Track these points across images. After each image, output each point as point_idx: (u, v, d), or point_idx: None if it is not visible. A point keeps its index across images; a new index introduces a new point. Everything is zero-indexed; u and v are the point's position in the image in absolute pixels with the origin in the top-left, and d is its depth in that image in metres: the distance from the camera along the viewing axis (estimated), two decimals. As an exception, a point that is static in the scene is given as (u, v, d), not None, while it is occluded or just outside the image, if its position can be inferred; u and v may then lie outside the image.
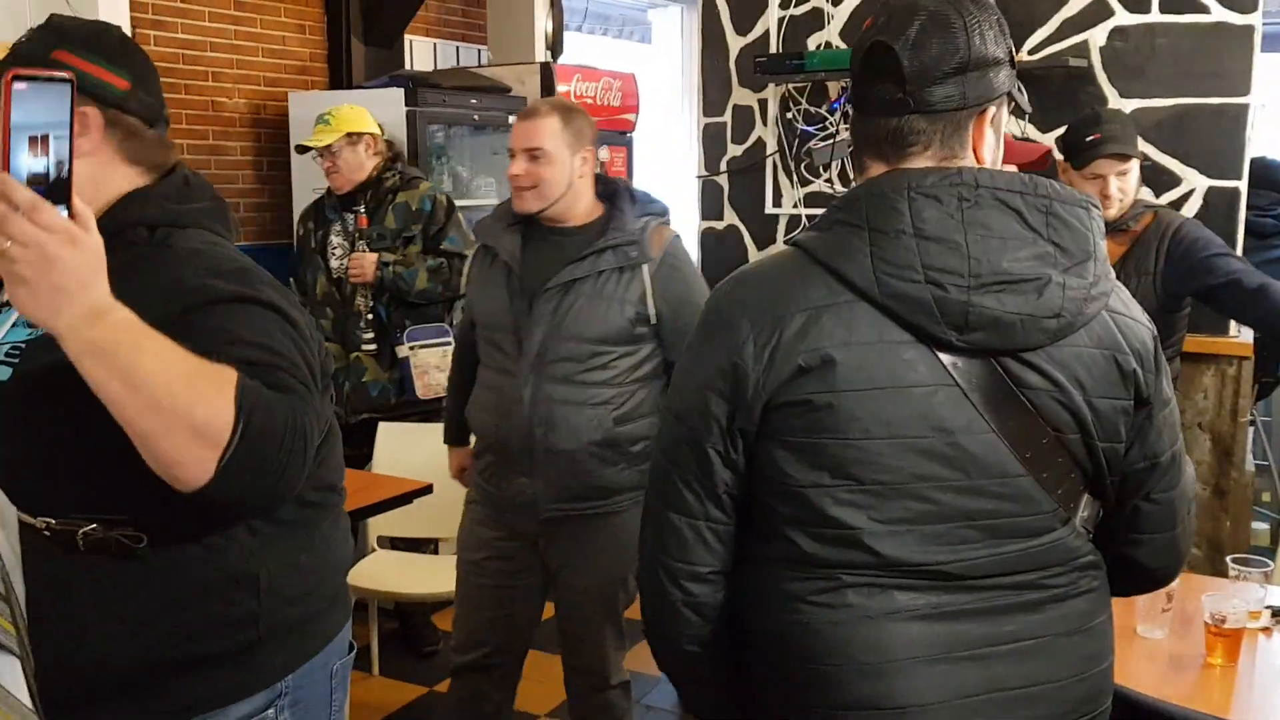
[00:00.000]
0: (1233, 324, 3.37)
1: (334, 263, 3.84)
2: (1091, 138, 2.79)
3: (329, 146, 3.78)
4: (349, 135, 3.80)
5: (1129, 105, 3.47)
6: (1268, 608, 2.11)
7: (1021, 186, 1.29)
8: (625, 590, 2.63)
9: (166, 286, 1.35)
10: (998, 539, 1.31)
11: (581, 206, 2.57)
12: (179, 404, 1.17)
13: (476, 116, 4.62)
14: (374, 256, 3.72)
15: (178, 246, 1.42)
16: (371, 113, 3.83)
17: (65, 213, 1.13)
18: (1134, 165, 2.82)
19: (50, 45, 1.44)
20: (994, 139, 1.36)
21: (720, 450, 1.34)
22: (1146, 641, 2.05)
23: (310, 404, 1.32)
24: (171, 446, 1.18)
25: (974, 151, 1.34)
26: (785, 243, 1.43)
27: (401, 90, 4.31)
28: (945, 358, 1.27)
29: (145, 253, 1.41)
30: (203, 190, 1.54)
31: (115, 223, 1.41)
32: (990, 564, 1.30)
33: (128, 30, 4.06)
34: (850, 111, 1.40)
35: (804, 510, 1.31)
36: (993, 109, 1.34)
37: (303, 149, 3.86)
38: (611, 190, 2.62)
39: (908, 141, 1.32)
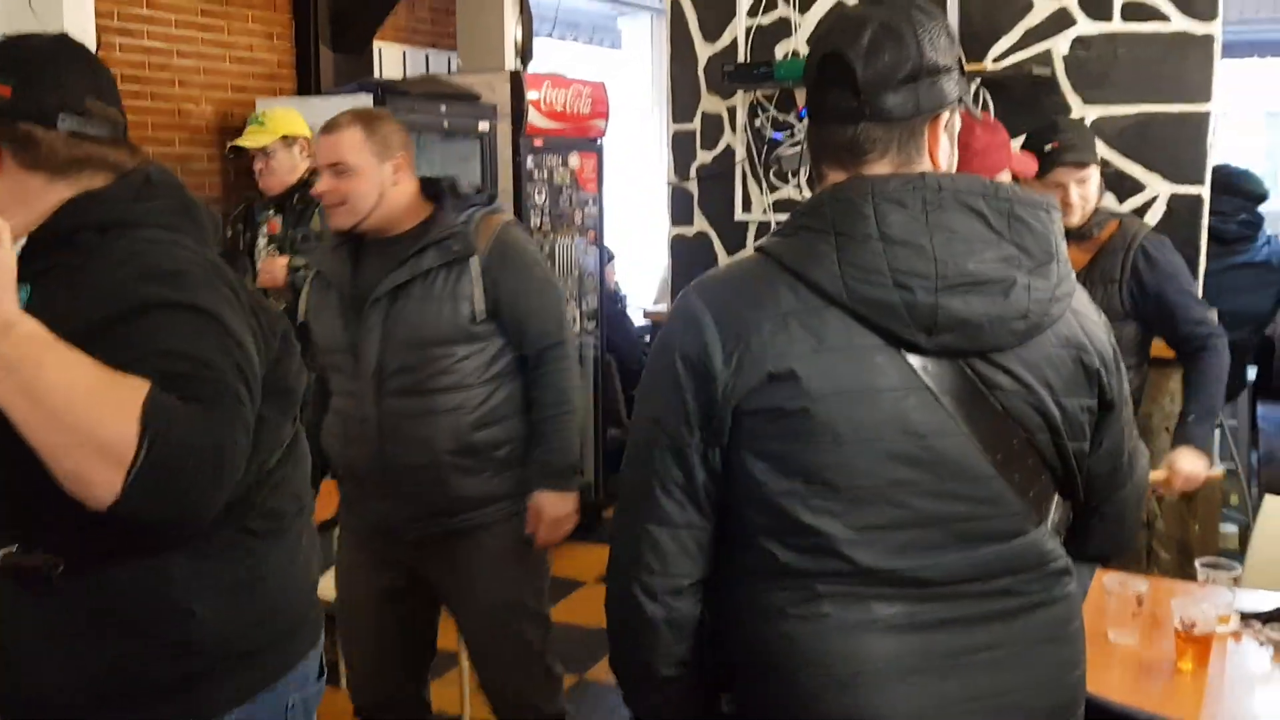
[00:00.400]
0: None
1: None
2: (1050, 146, 2.82)
3: (263, 148, 3.79)
4: (283, 137, 3.81)
5: (1092, 113, 3.50)
6: (1237, 611, 2.13)
7: (983, 189, 1.31)
8: (531, 618, 2.56)
9: (97, 292, 1.32)
10: (971, 542, 1.31)
11: (403, 213, 2.46)
12: (82, 420, 1.14)
13: (446, 123, 4.61)
14: (284, 260, 3.71)
15: (118, 249, 1.37)
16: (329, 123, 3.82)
17: None
18: (1093, 172, 2.85)
19: None
20: (949, 144, 1.39)
21: (700, 452, 1.32)
22: (1117, 647, 2.07)
23: (236, 417, 1.27)
24: (76, 464, 1.15)
25: (930, 157, 1.36)
26: (754, 249, 1.40)
27: (370, 97, 4.29)
28: (915, 360, 1.28)
29: (88, 256, 1.38)
30: (168, 189, 1.48)
31: (59, 228, 1.39)
32: (965, 568, 1.31)
33: (92, 38, 4.02)
34: (809, 121, 1.41)
35: (779, 519, 1.30)
36: (946, 115, 1.36)
37: (237, 150, 3.86)
38: (435, 190, 2.53)
39: (864, 149, 1.33)
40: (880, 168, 1.33)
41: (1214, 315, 2.90)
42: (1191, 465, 2.64)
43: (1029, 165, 2.69)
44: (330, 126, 2.46)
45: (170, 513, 1.21)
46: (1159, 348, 3.10)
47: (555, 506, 2.51)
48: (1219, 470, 2.84)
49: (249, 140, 3.81)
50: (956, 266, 1.27)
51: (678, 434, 1.32)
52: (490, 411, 2.44)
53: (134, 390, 1.17)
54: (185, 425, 1.19)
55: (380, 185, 2.42)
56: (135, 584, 1.36)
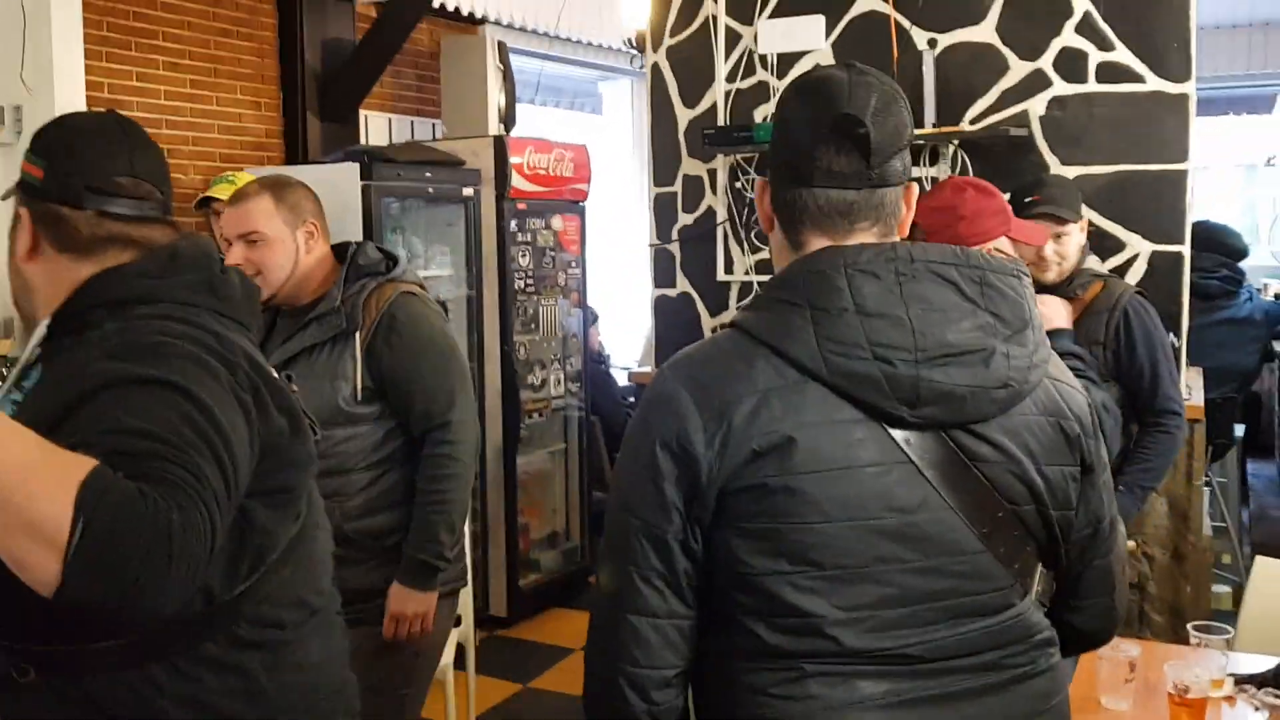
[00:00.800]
0: (1184, 387, 3.41)
1: None
2: (1030, 199, 2.83)
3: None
4: None
5: (1070, 172, 3.53)
6: (1230, 675, 2.10)
7: (955, 259, 1.30)
8: (402, 709, 2.43)
9: (73, 373, 1.29)
10: (959, 618, 1.29)
11: (314, 282, 2.40)
12: (14, 500, 1.07)
13: (431, 189, 4.63)
14: None
15: (115, 326, 1.35)
16: (327, 187, 3.82)
17: None
18: (1072, 229, 2.84)
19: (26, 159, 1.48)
20: (909, 213, 1.39)
21: (681, 539, 1.29)
22: (1110, 713, 2.04)
23: (195, 497, 1.17)
24: (13, 546, 1.09)
25: (900, 225, 1.36)
26: (723, 325, 1.38)
27: (357, 165, 4.31)
28: (898, 434, 1.26)
29: (86, 337, 1.35)
30: (194, 263, 1.46)
31: (80, 303, 1.39)
32: (953, 645, 1.29)
33: (82, 108, 4.05)
34: (784, 183, 1.36)
35: (763, 599, 1.27)
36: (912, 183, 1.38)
37: (206, 200, 3.88)
38: (343, 256, 2.45)
39: (861, 215, 1.32)
40: (867, 236, 1.33)
41: (1180, 395, 2.92)
42: None
43: (1037, 234, 2.54)
44: (239, 197, 2.40)
45: (114, 599, 1.11)
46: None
47: (404, 602, 2.36)
48: (1129, 543, 2.82)
49: (218, 191, 3.84)
50: (935, 338, 1.26)
51: (658, 523, 1.29)
52: (375, 498, 2.34)
53: (74, 468, 1.10)
54: (125, 504, 1.11)
55: (294, 254, 2.37)
56: (114, 692, 1.31)
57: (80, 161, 1.45)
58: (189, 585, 1.16)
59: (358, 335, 2.33)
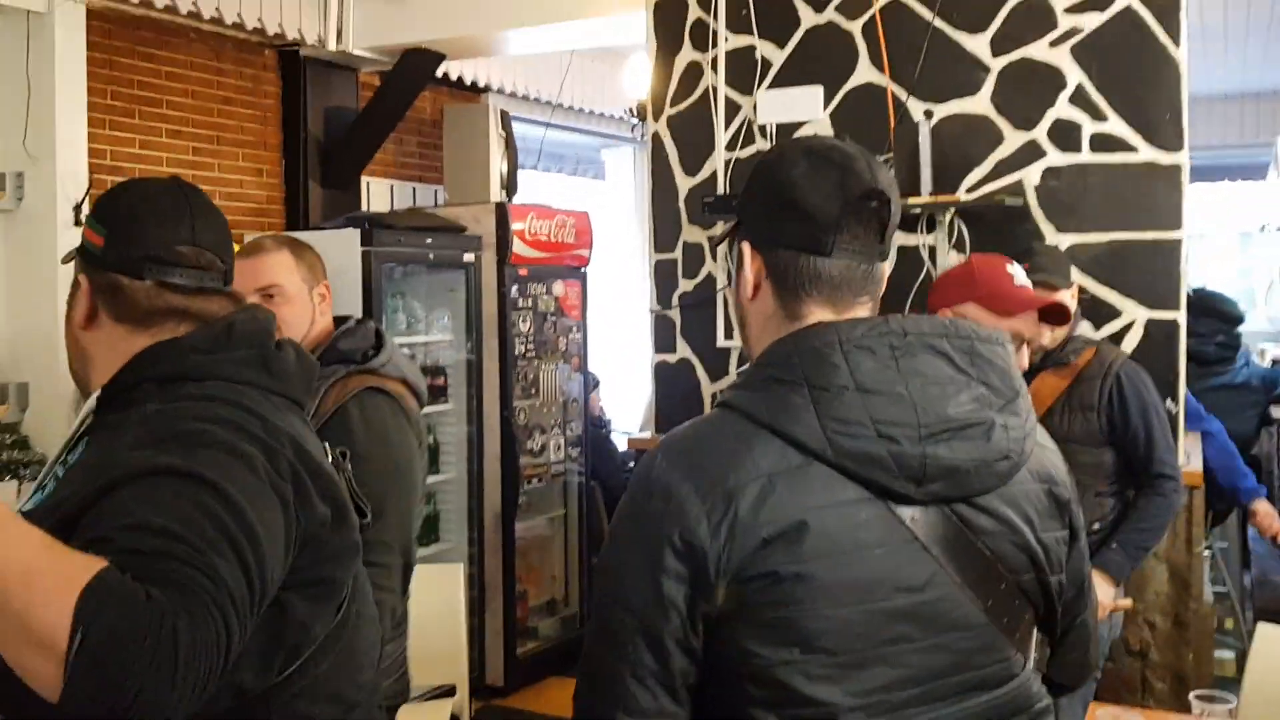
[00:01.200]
0: (1182, 453, 3.41)
1: None
2: (1021, 268, 2.85)
3: None
4: None
5: (1065, 240, 3.57)
6: (1232, 745, 2.08)
7: (944, 330, 1.29)
8: None
9: (106, 457, 1.25)
10: (965, 694, 1.27)
11: (318, 350, 2.27)
12: (15, 607, 1.03)
13: (432, 255, 4.67)
14: None
15: (157, 405, 1.30)
16: (328, 253, 3.85)
17: None
18: (1063, 296, 2.87)
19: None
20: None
21: (680, 639, 1.22)
22: (1112, 783, 2.02)
23: (209, 601, 1.10)
24: (15, 652, 1.05)
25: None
26: (716, 404, 1.36)
27: (357, 231, 4.35)
28: (904, 511, 1.24)
29: (130, 414, 1.31)
30: (249, 339, 1.40)
31: (129, 377, 1.35)
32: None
33: (85, 176, 4.10)
34: (787, 251, 1.33)
35: (775, 690, 1.22)
36: None
37: None
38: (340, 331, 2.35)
39: (863, 289, 1.32)
40: (865, 310, 1.33)
41: (1176, 459, 2.92)
42: (1101, 593, 2.61)
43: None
44: (254, 249, 2.31)
45: (116, 710, 1.05)
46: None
47: None
48: (1126, 601, 2.81)
49: None
50: (936, 413, 1.24)
51: (654, 621, 1.22)
52: None
53: (79, 572, 1.05)
54: (127, 612, 1.04)
55: (310, 314, 2.30)
56: None
57: (142, 230, 1.42)
58: (198, 696, 1.09)
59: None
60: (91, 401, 1.38)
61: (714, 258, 4.12)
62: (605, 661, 1.25)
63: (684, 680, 1.24)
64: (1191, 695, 2.21)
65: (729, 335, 4.10)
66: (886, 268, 1.36)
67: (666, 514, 1.22)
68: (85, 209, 4.09)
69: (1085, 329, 3.00)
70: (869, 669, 1.22)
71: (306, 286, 2.32)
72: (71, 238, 3.83)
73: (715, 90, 4.08)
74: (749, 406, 1.27)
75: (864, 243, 1.30)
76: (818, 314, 1.32)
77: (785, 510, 1.20)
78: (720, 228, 4.07)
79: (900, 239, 3.69)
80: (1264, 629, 2.71)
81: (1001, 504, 1.28)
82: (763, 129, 4.01)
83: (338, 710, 1.40)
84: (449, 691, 3.43)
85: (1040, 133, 3.62)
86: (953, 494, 1.25)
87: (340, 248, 4.31)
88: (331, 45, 4.92)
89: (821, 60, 3.91)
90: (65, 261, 1.53)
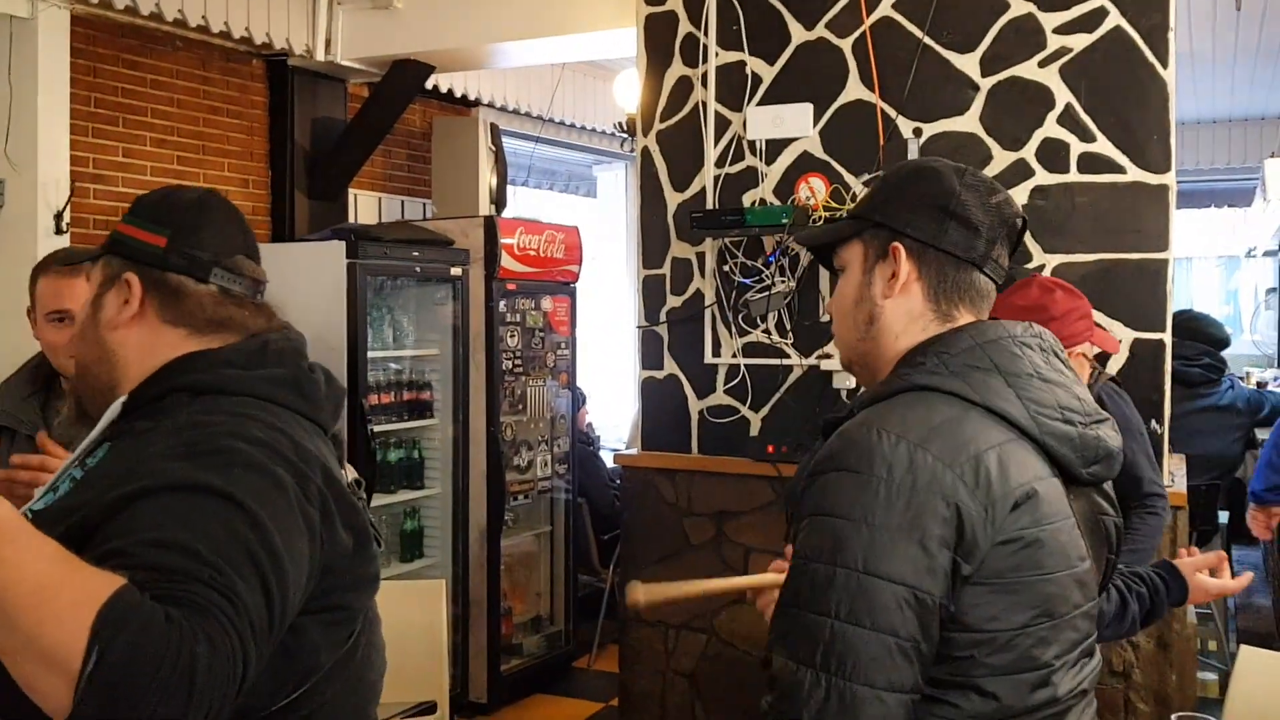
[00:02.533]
0: (1167, 474, 3.40)
1: None
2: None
3: None
4: None
5: (1053, 260, 3.57)
6: (1216, 768, 2.06)
7: (1046, 334, 1.44)
8: None
9: (135, 464, 1.22)
10: (1087, 658, 1.40)
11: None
12: (26, 623, 0.99)
13: (419, 268, 4.65)
14: None
15: (189, 418, 1.28)
16: (313, 264, 3.84)
17: None
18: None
19: (121, 220, 1.45)
20: None
21: (945, 605, 1.25)
22: (1095, 806, 1.99)
23: (230, 623, 1.08)
24: (24, 670, 1.01)
25: None
26: (906, 389, 1.38)
27: (343, 243, 4.33)
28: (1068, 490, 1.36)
29: (160, 423, 1.29)
30: (281, 358, 1.40)
31: (158, 387, 1.34)
32: (1085, 684, 1.39)
33: (66, 184, 4.07)
34: (949, 258, 1.44)
35: (1007, 655, 1.28)
36: None
37: None
38: None
39: (990, 305, 1.47)
40: (986, 317, 1.46)
41: (1161, 478, 2.92)
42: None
43: (1113, 343, 2.66)
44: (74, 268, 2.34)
45: None
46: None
47: None
48: None
49: None
50: (1085, 404, 1.39)
51: (926, 589, 1.24)
52: None
53: (96, 589, 1.01)
54: (146, 635, 1.01)
55: None
56: None
57: (208, 235, 1.42)
58: (218, 714, 1.07)
59: None
60: (116, 407, 1.36)
61: (702, 274, 4.11)
62: (862, 641, 1.22)
63: (931, 651, 1.26)
64: (1174, 717, 2.20)
65: (716, 352, 4.09)
66: None
67: (920, 483, 1.26)
68: (67, 217, 4.06)
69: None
70: (1065, 631, 1.33)
71: None
72: (52, 245, 3.80)
73: (705, 106, 4.08)
74: (955, 388, 1.35)
75: (1002, 264, 1.45)
76: (966, 317, 1.44)
77: (1022, 476, 1.30)
78: (708, 244, 4.06)
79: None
80: (1247, 651, 2.70)
81: (1109, 489, 1.45)
82: (752, 145, 4.01)
83: None
84: (429, 708, 3.40)
85: (1029, 152, 3.62)
86: (1104, 475, 1.40)
87: (326, 260, 4.30)
88: (320, 55, 4.91)
89: (811, 77, 3.91)
90: (95, 258, 1.47)
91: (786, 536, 1.42)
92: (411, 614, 3.09)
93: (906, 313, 1.43)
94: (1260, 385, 6.24)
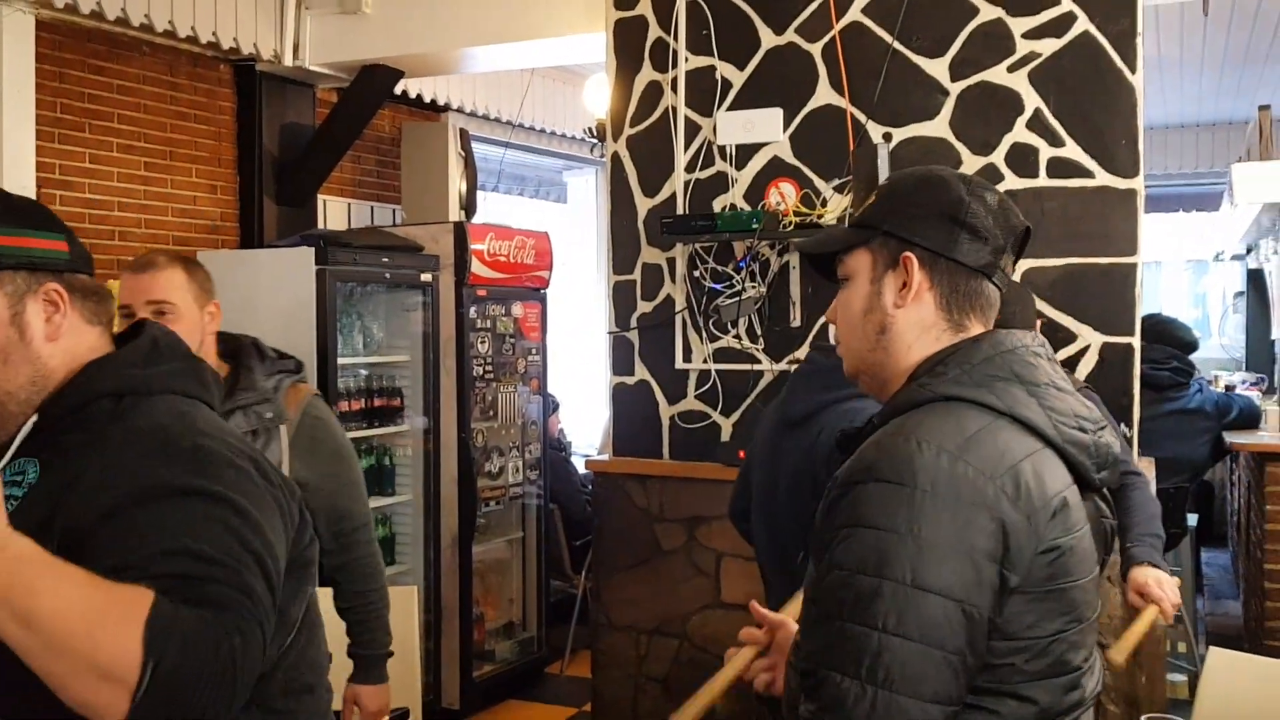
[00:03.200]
0: (1135, 476, 3.42)
1: None
2: None
3: None
4: None
5: (1022, 265, 3.58)
6: (1185, 770, 2.07)
7: (1045, 343, 1.46)
8: None
9: (108, 474, 1.25)
10: (1095, 659, 1.42)
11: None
12: (80, 647, 1.08)
13: (388, 274, 4.62)
14: None
15: (133, 422, 1.32)
16: (282, 271, 3.81)
17: None
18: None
19: None
20: None
21: (993, 620, 1.25)
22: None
23: (252, 618, 1.20)
24: (79, 689, 1.10)
25: None
26: (930, 400, 1.37)
27: (312, 249, 4.30)
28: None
29: (99, 432, 1.31)
30: (173, 350, 1.44)
31: (77, 396, 1.34)
32: (1099, 683, 1.42)
33: (32, 190, 4.02)
34: (960, 268, 1.44)
35: (1045, 661, 1.30)
36: None
37: None
38: (235, 347, 2.42)
39: (995, 314, 1.47)
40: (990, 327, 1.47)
41: (1134, 459, 2.91)
42: (1156, 575, 2.61)
43: None
44: (147, 264, 2.33)
45: None
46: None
47: (373, 699, 2.45)
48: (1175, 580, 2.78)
49: None
50: (1093, 411, 1.41)
51: (975, 602, 1.24)
52: None
53: (135, 606, 1.11)
54: (192, 639, 1.13)
55: (200, 332, 2.32)
56: None
57: (71, 233, 1.44)
58: (243, 699, 1.20)
59: (283, 428, 2.31)
60: (29, 425, 1.34)
61: (673, 280, 4.11)
62: (910, 653, 1.22)
63: (977, 666, 1.26)
64: (1144, 718, 2.21)
65: (687, 357, 4.08)
66: None
67: (964, 497, 1.26)
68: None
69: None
70: (1088, 635, 1.37)
71: (198, 306, 2.34)
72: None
73: (675, 111, 4.08)
74: (981, 398, 1.35)
75: (1008, 272, 1.46)
76: (977, 327, 1.44)
77: (1055, 486, 1.31)
78: (679, 249, 4.05)
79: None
80: (1215, 654, 2.71)
81: (1106, 492, 1.45)
82: (722, 150, 4.01)
83: (317, 676, 1.50)
84: (402, 715, 3.37)
85: (998, 157, 3.63)
86: (1110, 481, 1.42)
87: (294, 266, 4.26)
88: (288, 60, 4.87)
89: (781, 82, 3.92)
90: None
91: (802, 557, 1.48)
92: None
93: (918, 322, 1.43)
94: (1228, 388, 6.28)
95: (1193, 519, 5.08)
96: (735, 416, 4.00)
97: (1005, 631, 1.27)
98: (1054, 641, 1.30)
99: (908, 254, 1.42)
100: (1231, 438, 5.07)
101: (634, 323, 4.18)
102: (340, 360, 4.41)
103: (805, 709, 1.27)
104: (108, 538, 1.19)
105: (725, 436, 4.01)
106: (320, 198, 5.31)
